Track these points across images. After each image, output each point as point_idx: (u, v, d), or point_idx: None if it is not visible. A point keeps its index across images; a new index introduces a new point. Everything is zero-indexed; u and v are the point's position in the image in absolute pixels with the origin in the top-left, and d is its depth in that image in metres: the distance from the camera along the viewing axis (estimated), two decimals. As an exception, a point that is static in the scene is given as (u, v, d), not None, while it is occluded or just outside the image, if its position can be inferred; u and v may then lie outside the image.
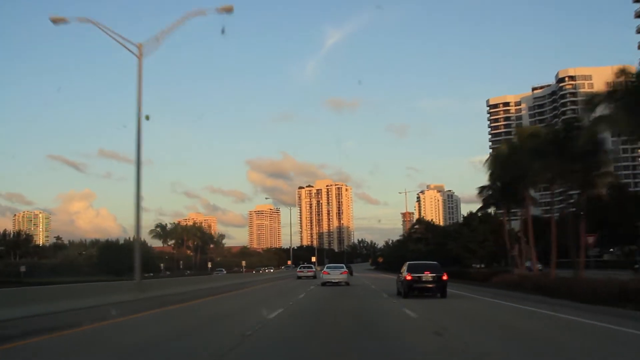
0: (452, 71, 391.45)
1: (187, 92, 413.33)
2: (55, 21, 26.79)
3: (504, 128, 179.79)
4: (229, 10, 26.12)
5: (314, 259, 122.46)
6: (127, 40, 26.85)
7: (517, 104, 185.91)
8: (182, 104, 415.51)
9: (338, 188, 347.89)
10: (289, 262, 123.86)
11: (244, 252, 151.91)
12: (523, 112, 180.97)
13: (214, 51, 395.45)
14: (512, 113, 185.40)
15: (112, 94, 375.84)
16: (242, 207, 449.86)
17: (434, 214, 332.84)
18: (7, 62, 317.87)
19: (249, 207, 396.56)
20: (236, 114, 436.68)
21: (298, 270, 61.81)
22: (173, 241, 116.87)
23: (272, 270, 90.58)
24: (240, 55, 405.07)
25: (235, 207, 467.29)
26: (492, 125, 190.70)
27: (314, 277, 55.17)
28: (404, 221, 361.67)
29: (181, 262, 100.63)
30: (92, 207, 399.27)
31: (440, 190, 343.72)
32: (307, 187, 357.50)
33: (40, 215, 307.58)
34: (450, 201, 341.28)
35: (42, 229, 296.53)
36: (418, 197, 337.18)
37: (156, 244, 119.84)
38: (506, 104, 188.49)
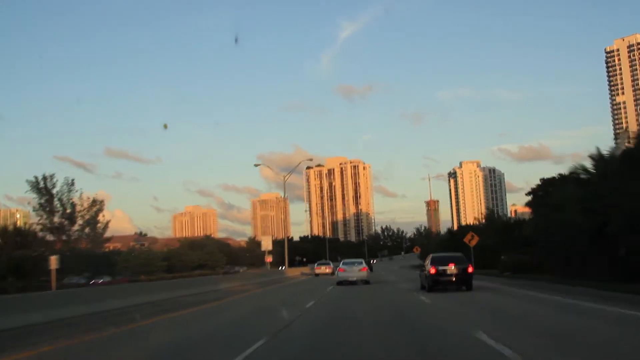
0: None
1: (199, 90, 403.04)
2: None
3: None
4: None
5: (269, 259, 72.51)
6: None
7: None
8: (193, 102, 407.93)
9: (354, 167, 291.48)
10: (269, 260, 73.59)
11: (197, 243, 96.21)
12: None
13: (225, 48, 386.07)
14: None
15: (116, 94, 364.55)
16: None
17: (474, 193, 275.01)
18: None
19: (263, 203, 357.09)
20: (248, 108, 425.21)
21: (315, 267, 60.64)
22: None
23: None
24: (251, 51, 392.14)
25: (250, 204, 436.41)
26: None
27: (332, 274, 49.95)
28: (428, 210, 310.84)
29: None
30: (106, 208, 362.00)
31: (478, 165, 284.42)
32: (316, 167, 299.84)
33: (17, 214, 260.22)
34: (493, 177, 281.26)
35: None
36: (454, 173, 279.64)
37: None
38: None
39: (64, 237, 59.44)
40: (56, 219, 58.19)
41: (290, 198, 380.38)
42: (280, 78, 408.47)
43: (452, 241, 55.79)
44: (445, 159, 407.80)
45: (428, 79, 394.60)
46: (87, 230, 59.47)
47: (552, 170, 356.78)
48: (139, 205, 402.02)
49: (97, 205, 59.96)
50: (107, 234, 67.14)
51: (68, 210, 59.21)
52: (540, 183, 57.64)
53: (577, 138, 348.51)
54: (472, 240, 39.40)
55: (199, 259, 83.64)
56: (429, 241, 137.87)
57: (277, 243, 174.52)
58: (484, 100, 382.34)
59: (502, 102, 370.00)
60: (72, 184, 58.28)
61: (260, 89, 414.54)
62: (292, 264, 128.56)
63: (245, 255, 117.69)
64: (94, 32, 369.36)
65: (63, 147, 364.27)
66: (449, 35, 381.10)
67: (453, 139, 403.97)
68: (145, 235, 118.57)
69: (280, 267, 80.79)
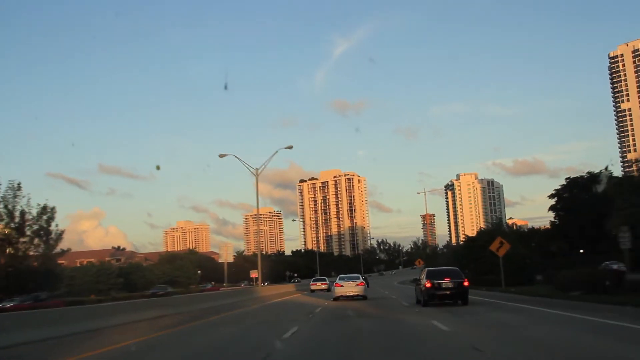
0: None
1: (192, 107, 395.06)
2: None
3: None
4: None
5: (254, 274, 67.73)
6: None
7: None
8: (187, 119, 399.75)
9: (348, 179, 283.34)
10: (254, 275, 70.80)
11: (177, 258, 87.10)
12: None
13: (219, 66, 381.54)
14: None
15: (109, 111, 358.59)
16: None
17: (472, 206, 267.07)
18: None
19: (261, 222, 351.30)
20: (243, 124, 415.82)
21: (311, 283, 59.04)
22: None
23: None
24: (245, 68, 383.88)
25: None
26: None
27: (328, 290, 50.37)
28: (424, 224, 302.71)
29: None
30: (101, 225, 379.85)
31: (476, 177, 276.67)
32: (310, 180, 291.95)
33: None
34: (491, 189, 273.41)
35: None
36: (451, 185, 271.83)
37: None
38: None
39: (10, 250, 50.68)
40: (-1, 229, 49.35)
41: (285, 214, 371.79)
42: (274, 94, 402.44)
43: (471, 249, 46.85)
44: (440, 173, 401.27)
45: (421, 95, 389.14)
46: (36, 241, 50.68)
47: (547, 184, 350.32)
48: (134, 222, 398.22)
49: (47, 212, 51.12)
50: (84, 248, 58.32)
51: (16, 219, 50.47)
52: (565, 184, 49.96)
53: (572, 152, 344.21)
54: (500, 248, 30.80)
55: (166, 275, 73.99)
56: (435, 252, 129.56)
57: (267, 257, 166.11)
58: (478, 115, 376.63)
59: (496, 117, 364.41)
60: (19, 188, 49.58)
61: (254, 105, 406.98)
62: (282, 280, 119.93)
63: (231, 271, 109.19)
64: (87, 52, 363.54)
65: (55, 163, 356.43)
66: (443, 50, 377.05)
67: (447, 154, 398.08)
68: (124, 249, 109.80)
69: (264, 284, 72.16)
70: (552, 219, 49.55)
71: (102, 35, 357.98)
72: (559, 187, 49.22)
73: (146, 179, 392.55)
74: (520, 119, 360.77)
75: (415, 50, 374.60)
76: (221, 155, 43.61)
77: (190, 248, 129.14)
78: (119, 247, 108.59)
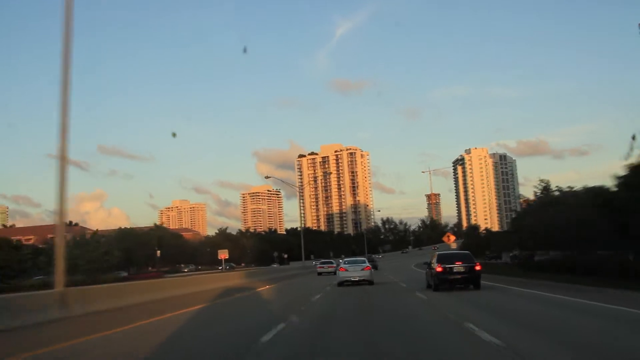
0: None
1: (193, 88, 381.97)
2: None
3: None
4: None
5: (223, 255, 54.77)
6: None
7: None
8: (187, 100, 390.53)
9: (350, 154, 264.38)
10: (223, 256, 59.02)
11: (134, 235, 67.84)
12: None
13: (219, 47, 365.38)
14: None
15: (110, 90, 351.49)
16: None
17: (484, 181, 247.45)
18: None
19: (254, 196, 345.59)
20: (243, 105, 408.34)
21: (318, 266, 60.33)
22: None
23: None
24: (246, 47, 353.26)
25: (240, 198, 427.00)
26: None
27: (335, 273, 47.89)
28: (429, 204, 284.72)
29: None
30: (103, 207, 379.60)
31: (487, 152, 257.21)
32: (309, 154, 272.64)
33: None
34: (504, 165, 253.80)
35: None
36: (461, 159, 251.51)
37: None
38: None
39: None
40: None
41: (287, 194, 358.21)
42: (275, 75, 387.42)
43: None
44: (443, 155, 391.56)
45: (424, 76, 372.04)
46: None
47: (552, 166, 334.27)
48: (136, 203, 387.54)
49: None
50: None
51: None
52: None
53: (577, 135, 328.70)
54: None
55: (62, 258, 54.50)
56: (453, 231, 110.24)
57: (254, 236, 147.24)
58: (481, 97, 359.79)
59: (499, 99, 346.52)
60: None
61: (255, 85, 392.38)
62: (271, 261, 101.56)
63: (206, 251, 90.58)
64: (88, 32, 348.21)
65: (55, 144, 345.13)
66: (445, 31, 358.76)
67: (450, 136, 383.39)
68: (76, 225, 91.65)
69: (225, 267, 53.41)
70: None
71: (104, 16, 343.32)
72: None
73: (147, 160, 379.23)
74: (524, 100, 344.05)
75: (417, 31, 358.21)
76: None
77: (156, 223, 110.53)
78: (70, 222, 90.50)
